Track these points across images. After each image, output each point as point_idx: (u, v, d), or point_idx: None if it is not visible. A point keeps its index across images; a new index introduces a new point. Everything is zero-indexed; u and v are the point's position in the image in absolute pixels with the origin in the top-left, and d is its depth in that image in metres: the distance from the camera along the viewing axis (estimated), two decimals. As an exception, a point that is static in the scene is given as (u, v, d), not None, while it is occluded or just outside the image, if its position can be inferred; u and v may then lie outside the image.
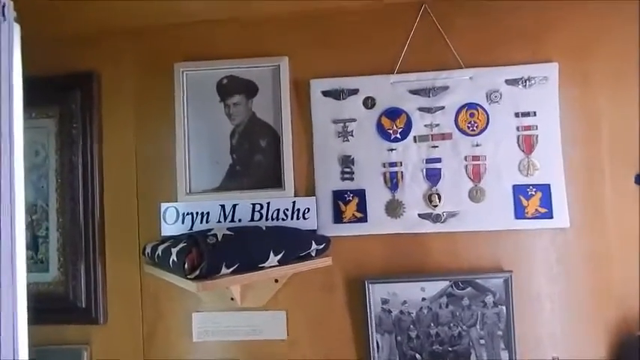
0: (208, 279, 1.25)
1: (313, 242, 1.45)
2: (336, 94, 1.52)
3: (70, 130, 1.62)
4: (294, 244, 1.42)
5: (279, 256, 1.36)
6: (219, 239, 1.29)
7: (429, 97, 1.49)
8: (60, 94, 1.62)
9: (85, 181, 1.60)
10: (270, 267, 1.36)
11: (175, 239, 1.42)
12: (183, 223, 1.55)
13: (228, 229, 1.35)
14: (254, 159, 1.56)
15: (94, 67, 1.63)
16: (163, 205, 1.56)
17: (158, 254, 1.42)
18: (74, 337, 1.61)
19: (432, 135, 1.49)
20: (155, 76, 1.61)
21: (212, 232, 1.31)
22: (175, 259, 1.29)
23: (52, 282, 1.61)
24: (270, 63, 1.55)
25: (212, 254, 1.25)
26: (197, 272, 1.25)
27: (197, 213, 1.55)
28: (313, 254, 1.47)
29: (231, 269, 1.28)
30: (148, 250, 1.50)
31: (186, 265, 1.26)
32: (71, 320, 1.61)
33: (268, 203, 1.53)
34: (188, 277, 1.25)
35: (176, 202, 1.56)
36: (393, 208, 1.48)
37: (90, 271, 1.59)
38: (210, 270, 1.25)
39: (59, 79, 1.62)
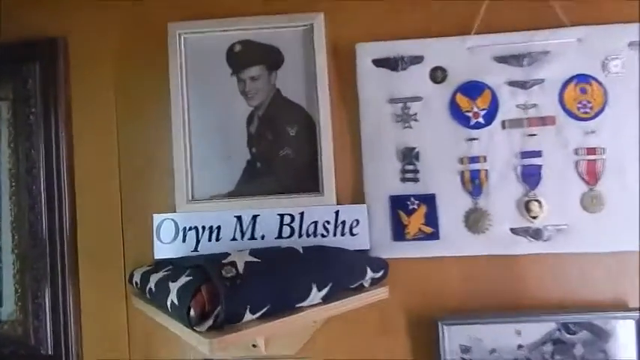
0: (226, 332, 0.84)
1: (368, 269, 1.05)
2: (392, 64, 1.10)
3: (28, 116, 1.19)
4: (345, 273, 1.01)
5: (325, 292, 0.96)
6: (241, 270, 0.88)
7: (522, 66, 1.08)
8: (13, 68, 1.20)
9: (49, 184, 1.18)
10: (311, 306, 0.96)
11: (175, 266, 1.01)
12: (184, 241, 1.14)
13: (251, 252, 0.94)
14: (280, 153, 1.15)
15: (59, 32, 1.21)
16: (157, 217, 1.15)
17: (150, 288, 1.01)
18: (39, 394, 1.20)
19: (527, 119, 1.08)
20: (142, 42, 1.19)
21: (229, 259, 0.90)
22: (176, 302, 0.88)
23: (8, 321, 1.20)
24: (299, 22, 1.13)
25: (231, 295, 0.83)
26: (209, 322, 0.85)
27: (204, 227, 1.13)
28: (366, 285, 1.07)
29: (257, 314, 0.88)
30: (137, 278, 1.09)
31: (192, 312, 0.85)
32: (35, 371, 1.20)
33: (302, 214, 1.12)
34: (195, 328, 0.85)
35: (174, 212, 1.14)
36: (476, 221, 1.08)
37: (58, 305, 1.17)
38: (229, 318, 0.84)
39: (12, 49, 1.20)
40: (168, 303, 0.91)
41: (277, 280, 0.91)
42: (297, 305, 0.94)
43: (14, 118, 1.20)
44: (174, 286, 0.91)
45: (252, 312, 0.87)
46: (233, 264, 0.89)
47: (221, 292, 0.83)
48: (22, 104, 1.19)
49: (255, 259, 0.92)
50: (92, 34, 1.20)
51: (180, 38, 1.14)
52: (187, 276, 0.91)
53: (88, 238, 1.20)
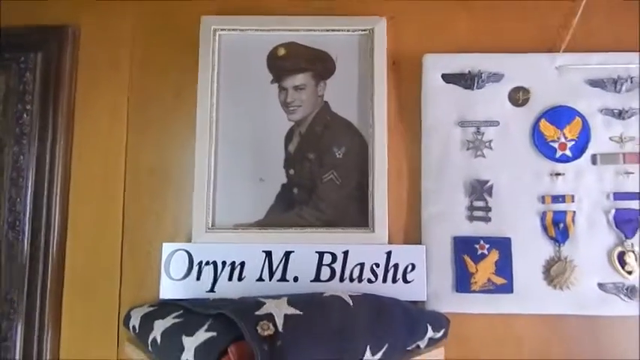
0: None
1: (429, 327, 0.84)
2: (466, 80, 0.93)
3: (21, 115, 0.99)
4: (403, 331, 0.80)
5: (378, 357, 0.75)
6: (280, 327, 0.67)
7: (620, 92, 0.92)
8: (10, 58, 1.00)
9: (37, 198, 0.97)
10: (361, 374, 0.75)
11: (188, 312, 0.80)
12: (198, 278, 0.92)
13: (289, 301, 0.73)
14: (323, 178, 0.96)
15: (70, 20, 1.02)
16: (167, 247, 0.94)
17: (155, 340, 0.79)
18: None
19: (623, 154, 0.91)
20: (169, 38, 1.01)
21: (264, 311, 0.69)
22: (193, 365, 0.67)
23: (-33, 365, 0.97)
24: (357, 26, 0.97)
25: (271, 361, 0.63)
26: (238, 397, 0.63)
27: (224, 263, 0.92)
28: (422, 346, 0.86)
29: (299, 386, 0.67)
30: (136, 321, 0.88)
31: (216, 383, 0.64)
32: None
33: (346, 253, 0.92)
34: (219, 404, 0.63)
35: (189, 242, 0.94)
36: (558, 273, 0.89)
37: (31, 349, 0.94)
38: (265, 394, 0.63)
39: (12, 35, 1.00)
40: (181, 364, 0.69)
41: (326, 341, 0.70)
42: (347, 373, 0.73)
43: (4, 116, 1.00)
44: (190, 343, 0.69)
45: (295, 383, 0.66)
46: (270, 318, 0.68)
47: (257, 355, 0.62)
48: (15, 100, 0.99)
49: (297, 312, 0.71)
50: (109, 25, 1.02)
51: (214, 35, 0.97)
52: (209, 330, 0.70)
53: (78, 267, 0.97)
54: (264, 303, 0.72)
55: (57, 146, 0.99)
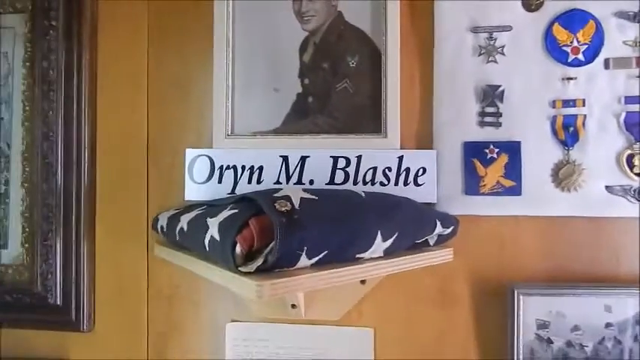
0: (277, 276, 0.69)
1: (438, 222, 0.89)
2: (477, -14, 0.94)
3: (47, 31, 1.04)
4: (413, 222, 0.85)
5: (389, 242, 0.80)
6: (297, 205, 0.72)
7: (636, -5, 0.92)
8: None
9: (67, 109, 1.03)
10: (372, 259, 0.80)
11: (211, 206, 0.86)
12: (220, 182, 0.98)
13: (305, 189, 0.78)
14: (337, 87, 0.99)
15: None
16: (190, 153, 0.99)
17: (182, 229, 0.86)
18: (43, 350, 1.05)
19: (636, 58, 0.91)
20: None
21: (282, 194, 0.74)
22: (217, 237, 0.72)
23: (13, 264, 1.05)
24: None
25: (288, 230, 0.67)
26: (258, 262, 0.69)
27: (243, 167, 0.97)
28: (431, 242, 0.91)
29: (314, 260, 0.72)
30: (163, 222, 0.94)
31: (238, 249, 0.69)
32: (40, 323, 1.04)
33: (359, 157, 0.96)
34: (240, 269, 0.69)
35: (210, 148, 0.99)
36: (567, 175, 0.91)
37: (70, 251, 1.03)
38: (282, 259, 0.68)
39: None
40: (207, 240, 0.75)
41: (339, 221, 0.75)
42: (358, 256, 0.78)
43: (32, 34, 1.05)
44: (214, 221, 0.75)
45: (309, 256, 0.71)
46: (287, 198, 0.73)
47: (276, 225, 0.67)
48: (41, 17, 1.04)
49: (312, 197, 0.76)
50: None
51: (229, -57, 0.99)
52: (231, 209, 0.76)
53: (108, 175, 1.05)
54: (282, 189, 0.77)
55: (84, 60, 1.03)
